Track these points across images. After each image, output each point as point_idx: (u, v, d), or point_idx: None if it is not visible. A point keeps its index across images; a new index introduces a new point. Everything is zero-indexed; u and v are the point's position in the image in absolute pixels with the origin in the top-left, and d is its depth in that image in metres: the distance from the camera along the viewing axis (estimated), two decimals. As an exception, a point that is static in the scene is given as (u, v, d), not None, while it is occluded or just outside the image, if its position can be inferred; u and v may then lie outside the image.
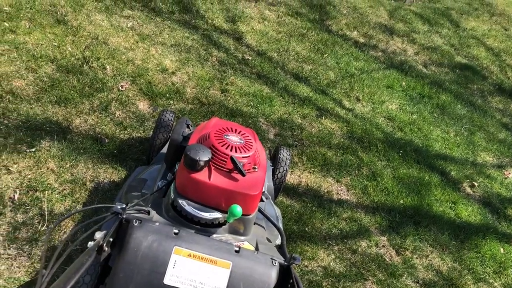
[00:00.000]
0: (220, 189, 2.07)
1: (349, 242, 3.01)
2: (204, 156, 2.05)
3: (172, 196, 2.12)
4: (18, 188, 2.45)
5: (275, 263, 1.91)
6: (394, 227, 3.26)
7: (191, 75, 3.88)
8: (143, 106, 3.37)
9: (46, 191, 2.48)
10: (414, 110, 4.73)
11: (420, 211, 3.45)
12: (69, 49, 3.50)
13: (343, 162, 3.64)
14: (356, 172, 3.63)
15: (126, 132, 3.09)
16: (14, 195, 2.41)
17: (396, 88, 4.92)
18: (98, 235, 1.79)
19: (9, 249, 2.21)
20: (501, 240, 3.55)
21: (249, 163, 2.18)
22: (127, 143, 3.00)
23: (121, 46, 3.80)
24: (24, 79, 3.08)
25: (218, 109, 3.63)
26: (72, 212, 2.30)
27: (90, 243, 1.76)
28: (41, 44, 3.41)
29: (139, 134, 3.12)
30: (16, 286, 2.10)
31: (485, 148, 4.66)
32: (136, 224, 1.84)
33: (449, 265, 3.14)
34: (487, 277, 3.18)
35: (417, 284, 2.91)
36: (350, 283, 2.74)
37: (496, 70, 6.11)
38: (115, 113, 3.18)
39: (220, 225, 2.12)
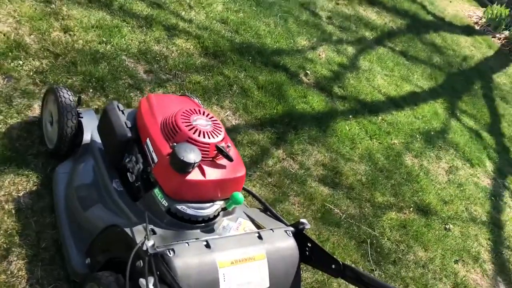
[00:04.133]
0: (217, 182, 2.01)
1: (262, 167, 3.26)
2: (196, 156, 1.91)
3: (166, 203, 1.96)
4: None
5: (290, 234, 2.08)
6: (282, 138, 3.62)
7: (16, 16, 3.08)
8: (-9, 77, 2.63)
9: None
10: (237, 7, 4.82)
11: (292, 115, 3.87)
12: None
13: (217, 85, 3.67)
14: (230, 92, 3.73)
15: None
16: None
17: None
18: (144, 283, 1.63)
19: None
20: (344, 119, 4.31)
21: (225, 143, 2.11)
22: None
23: None
24: None
25: (77, 58, 3.08)
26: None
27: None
28: None
29: (13, 120, 2.50)
30: None
31: (299, 32, 5.20)
32: (171, 255, 1.71)
33: (327, 155, 3.74)
34: (348, 155, 3.91)
35: (318, 183, 3.44)
36: (280, 204, 3.08)
37: None
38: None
39: (218, 214, 2.10)
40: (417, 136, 4.71)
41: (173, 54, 3.70)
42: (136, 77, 3.29)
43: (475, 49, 7.68)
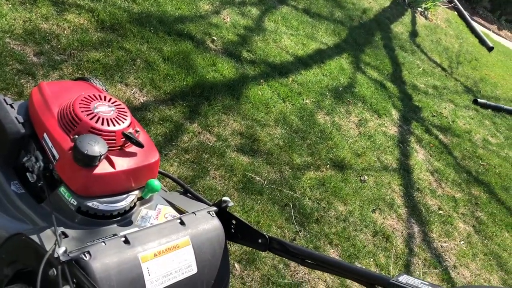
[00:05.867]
0: (129, 171, 1.87)
1: (178, 143, 3.14)
2: (102, 148, 1.76)
3: (75, 202, 1.80)
4: None
5: (213, 214, 2.02)
6: (195, 110, 3.50)
7: None
8: None
9: None
10: (132, -26, 4.51)
11: (203, 86, 3.74)
12: None
13: (119, 61, 3.44)
14: (133, 67, 3.51)
15: None
16: None
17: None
18: None
19: None
20: (255, 84, 4.26)
21: (133, 129, 1.97)
22: None
23: None
24: None
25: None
26: None
27: None
28: None
29: None
30: None
31: (200, -3, 5.00)
32: (87, 259, 1.59)
33: (243, 123, 3.69)
34: (263, 120, 3.90)
35: (238, 153, 3.40)
36: (201, 180, 3.00)
37: None
38: None
39: (134, 205, 1.98)
40: (327, 93, 4.82)
41: (65, 32, 3.38)
42: (25, 62, 2.97)
43: (373, 1, 7.93)
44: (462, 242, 3.98)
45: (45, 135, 1.85)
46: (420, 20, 8.68)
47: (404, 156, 4.65)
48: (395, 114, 5.31)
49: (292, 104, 4.29)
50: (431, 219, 4.03)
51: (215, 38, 4.49)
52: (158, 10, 4.31)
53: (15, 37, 3.08)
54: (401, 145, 4.79)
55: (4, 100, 1.95)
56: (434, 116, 5.84)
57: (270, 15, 5.49)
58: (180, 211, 2.09)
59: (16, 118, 1.91)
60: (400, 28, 7.78)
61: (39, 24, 3.29)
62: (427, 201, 4.23)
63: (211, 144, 3.31)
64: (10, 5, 3.26)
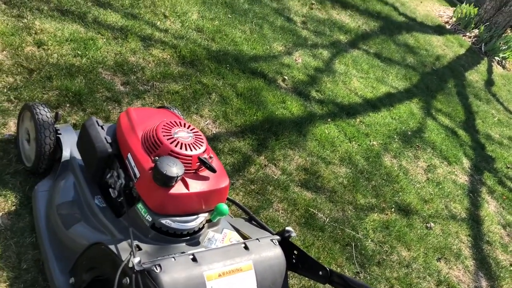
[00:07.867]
0: (201, 194, 2.00)
1: (245, 174, 3.26)
2: (179, 170, 1.90)
3: (150, 218, 1.94)
4: None
5: (276, 243, 2.08)
6: (263, 144, 3.62)
7: (-13, 32, 3.02)
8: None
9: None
10: (213, 15, 4.82)
11: (272, 121, 3.88)
12: None
13: (196, 94, 3.66)
14: (209, 100, 3.72)
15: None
16: None
17: (189, -7, 4.84)
18: None
19: None
20: (323, 123, 4.34)
21: (208, 155, 2.11)
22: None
23: None
24: None
25: (52, 72, 3.04)
26: None
27: None
28: None
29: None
30: None
31: (274, 38, 5.23)
32: (158, 271, 1.70)
33: (308, 160, 3.76)
34: (329, 158, 3.94)
35: (300, 188, 3.46)
36: (264, 211, 3.08)
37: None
38: None
39: (203, 227, 2.09)
40: (395, 136, 4.78)
41: (150, 65, 3.68)
42: (113, 90, 3.26)
43: (447, 48, 7.84)
44: (536, 302, 3.72)
45: (129, 155, 2.02)
46: (497, 69, 8.44)
47: (474, 207, 4.47)
48: (466, 162, 5.14)
49: (358, 144, 4.31)
50: (502, 274, 3.81)
51: (286, 77, 4.65)
52: (235, 49, 4.55)
53: (106, 68, 3.39)
54: (471, 194, 4.61)
55: (96, 121, 2.16)
56: (508, 167, 5.58)
57: (341, 58, 5.60)
58: (244, 237, 2.17)
59: (105, 138, 2.11)
60: (475, 76, 7.60)
61: (128, 57, 3.60)
62: (498, 255, 4.01)
63: (276, 177, 3.40)
64: (104, 39, 3.61)
